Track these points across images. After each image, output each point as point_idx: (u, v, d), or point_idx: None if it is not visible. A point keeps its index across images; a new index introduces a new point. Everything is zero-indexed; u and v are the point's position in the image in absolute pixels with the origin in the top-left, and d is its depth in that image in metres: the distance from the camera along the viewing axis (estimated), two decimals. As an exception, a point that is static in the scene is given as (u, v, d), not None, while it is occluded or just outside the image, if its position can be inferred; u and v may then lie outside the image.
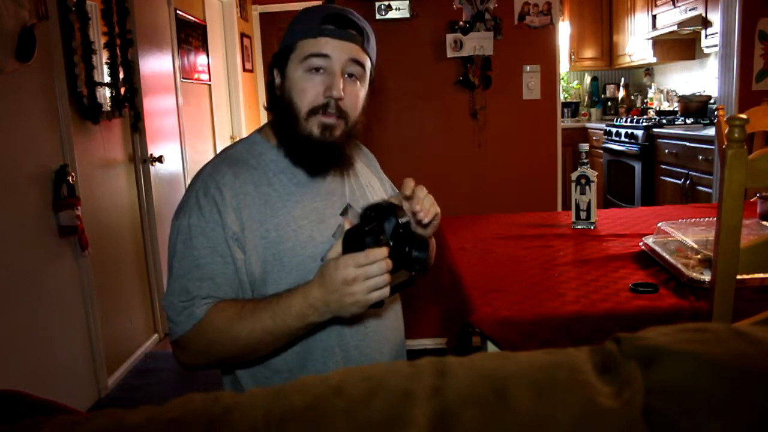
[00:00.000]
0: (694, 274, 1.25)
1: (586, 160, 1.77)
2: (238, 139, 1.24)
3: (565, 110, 5.56)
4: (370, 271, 0.91)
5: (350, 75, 1.10)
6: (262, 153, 1.14)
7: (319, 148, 1.10)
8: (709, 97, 4.13)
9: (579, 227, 1.80)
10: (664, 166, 3.77)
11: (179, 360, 1.09)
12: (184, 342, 1.05)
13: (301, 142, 1.10)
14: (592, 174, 1.77)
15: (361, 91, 1.13)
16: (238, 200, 1.07)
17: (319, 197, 1.15)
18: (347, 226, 0.95)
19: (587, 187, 1.78)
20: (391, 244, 0.95)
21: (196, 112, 4.06)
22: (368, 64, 1.13)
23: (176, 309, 1.04)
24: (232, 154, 1.14)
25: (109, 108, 2.80)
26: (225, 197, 1.06)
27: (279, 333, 0.99)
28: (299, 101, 1.08)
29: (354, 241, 0.92)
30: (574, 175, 1.78)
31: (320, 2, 3.68)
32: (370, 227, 0.92)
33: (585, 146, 1.77)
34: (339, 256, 0.93)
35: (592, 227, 1.79)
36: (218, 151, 1.21)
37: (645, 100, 5.26)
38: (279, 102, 1.12)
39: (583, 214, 1.80)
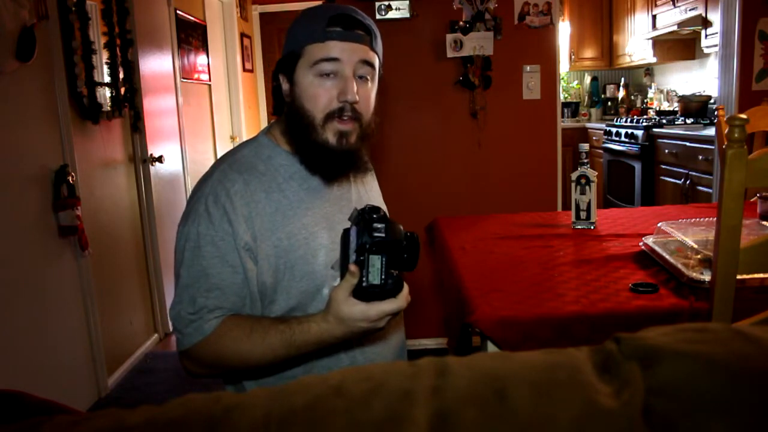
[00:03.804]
0: (694, 274, 1.25)
1: (586, 160, 1.77)
2: (244, 141, 1.21)
3: (565, 110, 5.56)
4: (380, 323, 0.95)
5: (361, 76, 1.08)
6: (271, 157, 1.12)
7: (337, 156, 1.08)
8: (709, 97, 4.13)
9: (579, 227, 1.80)
10: (664, 166, 3.78)
11: (185, 368, 1.08)
12: (191, 353, 1.04)
13: (318, 150, 1.08)
14: (592, 174, 1.77)
15: (372, 90, 1.12)
16: (250, 209, 1.05)
17: (329, 203, 1.14)
18: (351, 268, 0.91)
19: (587, 187, 1.78)
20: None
21: (196, 112, 4.06)
22: (377, 63, 1.11)
23: (184, 321, 1.02)
24: (239, 158, 1.11)
25: (109, 108, 2.80)
26: (236, 206, 1.03)
27: (290, 356, 1.00)
28: (313, 108, 1.06)
29: (362, 293, 0.92)
30: (574, 175, 1.78)
31: (321, 1, 3.68)
32: (378, 285, 0.91)
33: (585, 146, 1.77)
34: (348, 301, 0.92)
35: (592, 227, 1.79)
36: (224, 153, 1.18)
37: (645, 100, 5.26)
38: (290, 109, 1.10)
39: (583, 214, 1.80)
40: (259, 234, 1.05)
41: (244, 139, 5.00)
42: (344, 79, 1.05)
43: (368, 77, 1.09)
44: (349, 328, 0.94)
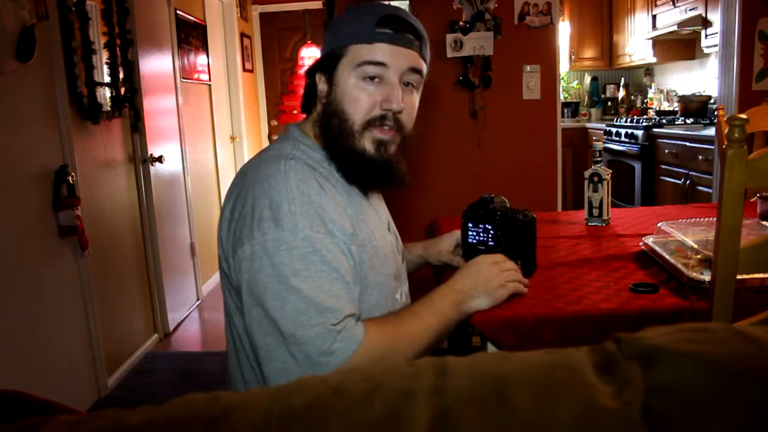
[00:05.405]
0: (694, 274, 1.25)
1: (599, 158, 1.80)
2: (279, 140, 1.07)
3: (565, 110, 5.56)
4: (507, 265, 1.09)
5: (407, 83, 1.01)
6: (323, 161, 1.03)
7: (375, 166, 1.01)
8: (709, 97, 4.13)
9: (592, 224, 1.83)
10: (664, 166, 3.78)
11: None
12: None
13: (354, 159, 1.00)
14: (605, 172, 1.78)
15: (417, 100, 1.05)
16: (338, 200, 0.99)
17: (374, 211, 1.09)
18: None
19: (599, 185, 1.79)
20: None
21: (196, 112, 4.05)
22: (425, 70, 1.04)
23: (327, 337, 0.85)
24: (293, 155, 0.99)
25: (109, 108, 2.80)
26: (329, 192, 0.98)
27: (442, 327, 1.00)
28: (353, 112, 0.98)
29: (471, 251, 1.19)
30: (587, 173, 1.81)
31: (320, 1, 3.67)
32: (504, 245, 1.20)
33: (599, 145, 1.80)
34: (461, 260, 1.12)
35: (604, 224, 1.81)
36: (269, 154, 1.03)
37: (645, 100, 5.26)
38: (326, 110, 1.01)
39: (595, 212, 1.82)
40: (354, 222, 0.99)
41: (244, 139, 5.01)
42: (389, 86, 0.99)
43: (414, 85, 1.03)
44: (479, 269, 1.07)
